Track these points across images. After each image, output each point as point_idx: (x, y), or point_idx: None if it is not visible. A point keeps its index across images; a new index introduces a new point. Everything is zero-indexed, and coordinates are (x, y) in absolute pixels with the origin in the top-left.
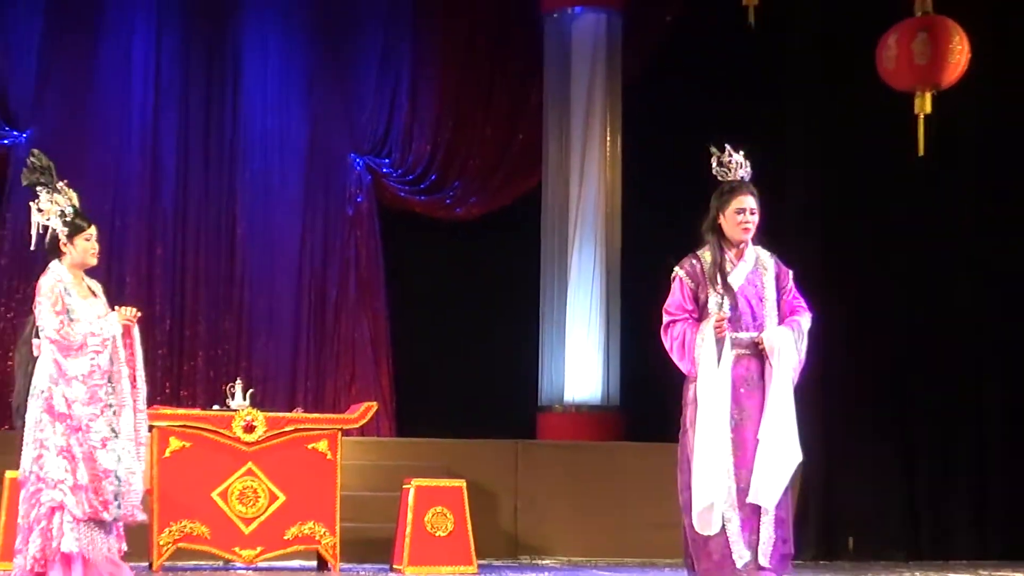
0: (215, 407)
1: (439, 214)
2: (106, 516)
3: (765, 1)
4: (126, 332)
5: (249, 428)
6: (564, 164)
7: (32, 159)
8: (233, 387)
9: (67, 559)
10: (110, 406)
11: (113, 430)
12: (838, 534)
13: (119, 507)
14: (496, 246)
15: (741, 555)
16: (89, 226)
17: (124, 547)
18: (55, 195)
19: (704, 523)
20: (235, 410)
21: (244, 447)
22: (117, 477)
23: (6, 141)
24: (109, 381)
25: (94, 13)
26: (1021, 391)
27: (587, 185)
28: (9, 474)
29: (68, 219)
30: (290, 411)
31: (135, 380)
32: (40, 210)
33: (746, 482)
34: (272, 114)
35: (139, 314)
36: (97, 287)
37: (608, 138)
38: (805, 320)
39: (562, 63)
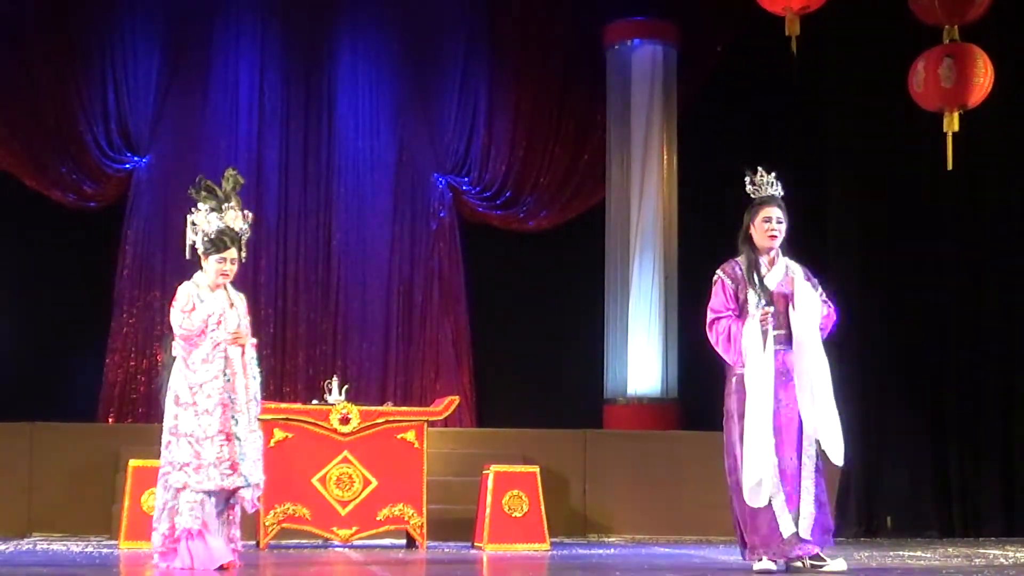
0: (314, 401)
1: (514, 227)
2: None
3: (806, 31)
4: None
5: (345, 420)
6: (625, 181)
7: (228, 176)
8: (330, 383)
9: (189, 535)
10: (231, 401)
11: (235, 419)
12: (878, 514)
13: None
14: (565, 255)
15: (787, 527)
16: (225, 249)
17: (236, 533)
18: (210, 214)
19: (754, 497)
20: (332, 404)
21: (340, 437)
22: (236, 463)
23: (128, 165)
24: (227, 379)
25: (204, 51)
26: None
27: (646, 200)
28: (132, 462)
29: (208, 238)
30: (381, 405)
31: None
32: (193, 223)
33: (787, 463)
34: (364, 137)
35: (234, 339)
36: (239, 300)
37: (665, 157)
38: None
39: (623, 90)
